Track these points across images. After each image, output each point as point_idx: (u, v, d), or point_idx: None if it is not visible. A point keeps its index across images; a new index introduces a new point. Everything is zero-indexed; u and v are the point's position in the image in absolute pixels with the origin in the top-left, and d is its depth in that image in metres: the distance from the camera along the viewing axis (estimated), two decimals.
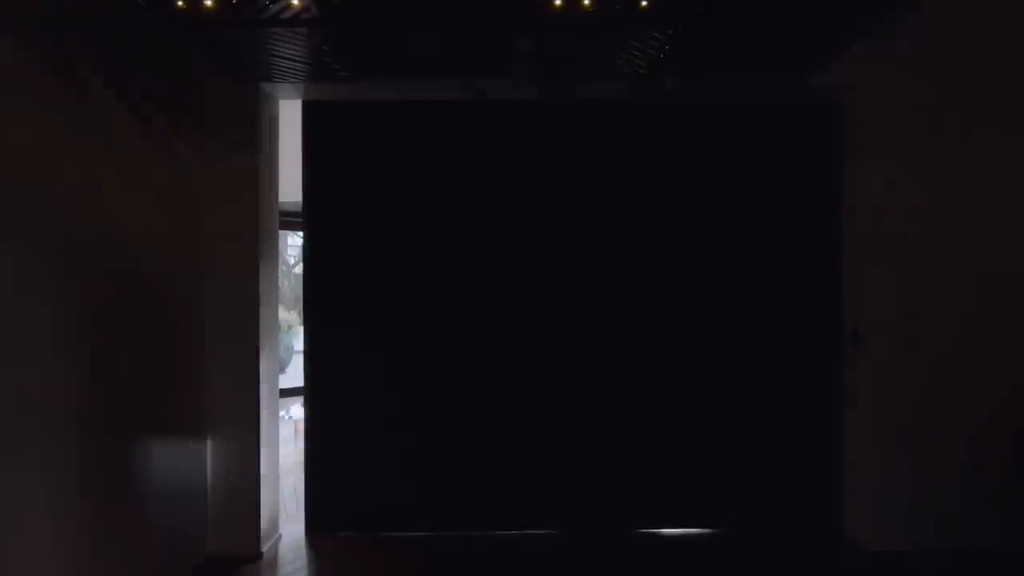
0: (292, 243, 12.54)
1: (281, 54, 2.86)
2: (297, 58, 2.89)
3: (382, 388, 3.58)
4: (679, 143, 3.63)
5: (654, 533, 3.61)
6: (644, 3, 2.41)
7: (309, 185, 3.62)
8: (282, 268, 12.65)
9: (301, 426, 6.53)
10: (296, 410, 6.10)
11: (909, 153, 3.35)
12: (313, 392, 3.59)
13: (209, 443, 3.30)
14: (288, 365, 11.08)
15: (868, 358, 3.41)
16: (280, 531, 3.65)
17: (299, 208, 10.04)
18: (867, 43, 3.15)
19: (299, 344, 9.66)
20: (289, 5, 2.38)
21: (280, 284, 12.78)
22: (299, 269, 9.89)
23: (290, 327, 11.38)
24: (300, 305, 9.35)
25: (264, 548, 3.37)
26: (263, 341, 3.36)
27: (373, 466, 3.58)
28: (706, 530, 3.62)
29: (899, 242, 3.36)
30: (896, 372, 3.36)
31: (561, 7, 2.49)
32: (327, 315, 3.60)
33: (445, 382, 3.58)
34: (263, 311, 3.37)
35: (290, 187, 7.58)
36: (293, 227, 9.17)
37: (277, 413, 3.59)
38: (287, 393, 8.48)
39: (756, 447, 3.63)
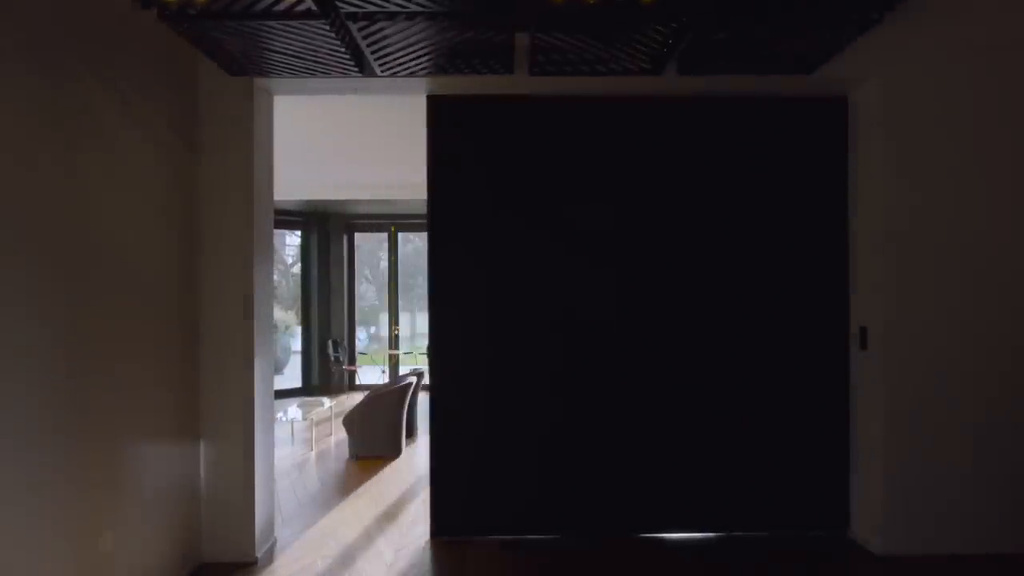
0: (290, 243, 12.51)
1: (275, 48, 2.79)
2: (292, 52, 2.83)
3: (502, 393, 3.55)
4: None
5: (656, 537, 3.55)
6: None
7: (433, 177, 3.56)
8: (280, 268, 12.60)
9: (298, 427, 6.50)
10: (293, 411, 6.04)
11: (915, 148, 3.30)
12: (437, 400, 3.56)
13: (203, 446, 3.24)
14: (285, 366, 11.04)
15: (875, 358, 3.35)
16: (275, 536, 3.59)
17: (297, 207, 10.01)
18: (873, 36, 3.09)
19: (296, 344, 9.66)
20: None
21: (278, 284, 12.79)
22: (297, 269, 9.85)
23: (287, 327, 11.33)
24: (298, 305, 9.32)
25: (259, 553, 3.30)
26: (257, 342, 3.29)
27: (495, 472, 3.55)
28: (709, 534, 3.56)
29: (906, 240, 3.30)
30: (904, 372, 3.30)
31: (562, 1, 2.43)
32: (450, 316, 3.56)
33: (544, 386, 3.57)
34: (258, 311, 3.30)
35: (289, 185, 7.56)
36: (290, 226, 9.20)
37: (272, 415, 3.51)
38: (284, 394, 8.49)
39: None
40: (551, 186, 3.56)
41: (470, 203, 3.56)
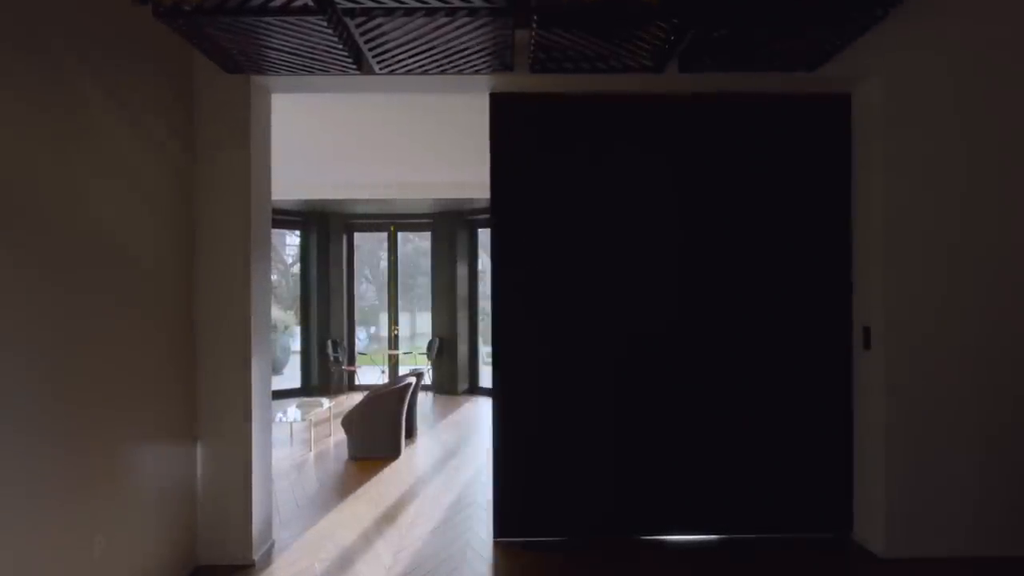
0: (290, 243, 12.47)
1: (272, 45, 2.75)
2: (289, 49, 2.79)
3: (566, 397, 3.51)
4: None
5: (658, 540, 3.52)
6: None
7: (496, 175, 3.52)
8: (279, 267, 12.56)
9: (297, 428, 6.46)
10: (293, 412, 6.00)
11: (919, 146, 3.26)
12: (501, 401, 3.53)
13: (199, 447, 3.20)
14: (285, 366, 11.00)
15: (880, 359, 3.31)
16: (273, 538, 3.55)
17: (296, 206, 9.96)
18: (877, 33, 3.06)
19: (296, 344, 9.62)
20: None
21: (278, 284, 12.73)
22: (297, 268, 9.81)
23: (286, 327, 11.29)
24: (297, 305, 9.28)
25: (256, 556, 3.27)
26: (255, 342, 3.26)
27: (558, 474, 3.51)
28: (711, 536, 3.52)
29: (910, 238, 3.27)
30: (907, 373, 3.26)
31: None
32: (513, 319, 3.52)
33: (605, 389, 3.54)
34: (255, 311, 3.27)
35: (288, 185, 7.52)
36: (290, 226, 9.17)
37: (269, 416, 3.48)
38: (284, 395, 8.46)
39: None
40: (602, 183, 3.52)
41: (531, 200, 3.52)
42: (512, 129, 3.51)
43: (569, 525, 3.53)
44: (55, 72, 2.20)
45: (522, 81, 3.30)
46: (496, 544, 3.50)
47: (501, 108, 3.50)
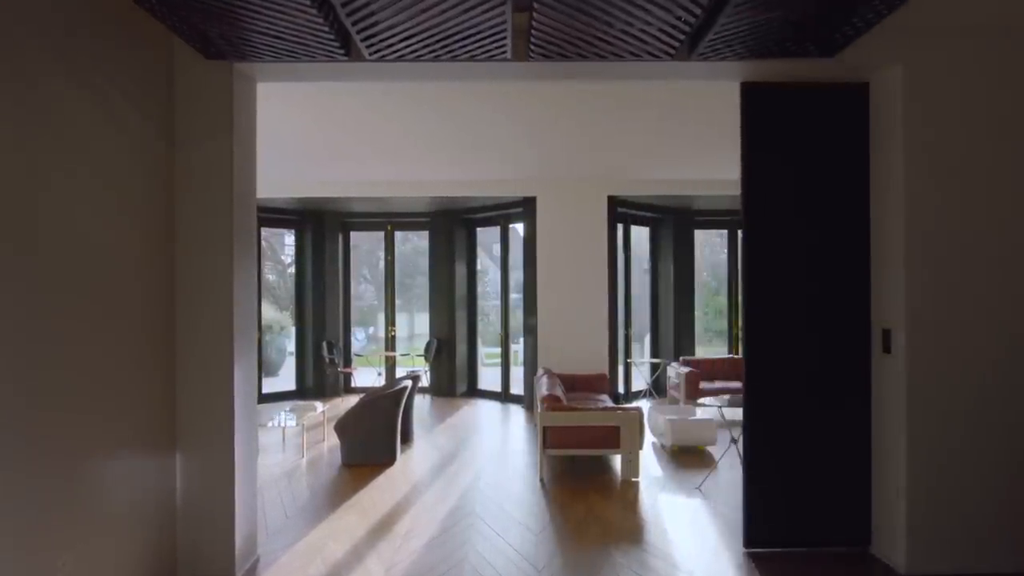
0: (288, 242, 12.26)
1: (253, 28, 2.57)
2: (272, 33, 2.61)
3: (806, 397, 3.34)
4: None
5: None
6: None
7: (747, 171, 3.33)
8: (277, 268, 12.36)
9: (289, 432, 6.28)
10: (285, 416, 5.81)
11: (940, 138, 3.08)
12: (752, 406, 3.36)
13: (179, 457, 3.02)
14: (280, 368, 10.80)
15: (899, 363, 3.13)
16: (259, 552, 3.37)
17: (291, 205, 9.76)
18: (897, 18, 2.88)
19: (291, 346, 9.42)
20: None
21: (276, 284, 12.50)
22: (295, 269, 9.61)
23: (283, 328, 11.09)
24: (294, 306, 9.09)
25: (240, 573, 3.09)
26: (238, 343, 3.08)
27: (800, 480, 3.35)
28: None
29: (931, 236, 3.08)
30: (929, 379, 3.08)
31: None
32: (766, 324, 3.34)
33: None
34: (240, 312, 3.09)
35: (282, 183, 7.33)
36: (284, 224, 8.98)
37: (255, 422, 3.30)
38: (278, 397, 8.27)
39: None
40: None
41: (779, 195, 3.33)
42: (762, 120, 3.32)
43: (810, 534, 3.36)
44: (15, 57, 2.01)
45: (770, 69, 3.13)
46: (745, 555, 3.34)
47: (751, 98, 3.31)
